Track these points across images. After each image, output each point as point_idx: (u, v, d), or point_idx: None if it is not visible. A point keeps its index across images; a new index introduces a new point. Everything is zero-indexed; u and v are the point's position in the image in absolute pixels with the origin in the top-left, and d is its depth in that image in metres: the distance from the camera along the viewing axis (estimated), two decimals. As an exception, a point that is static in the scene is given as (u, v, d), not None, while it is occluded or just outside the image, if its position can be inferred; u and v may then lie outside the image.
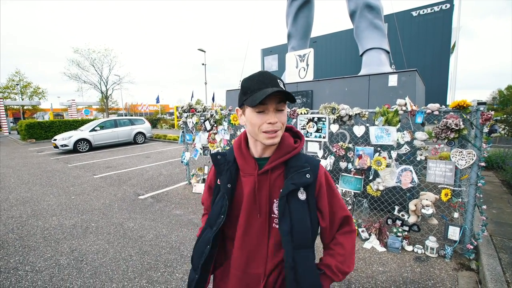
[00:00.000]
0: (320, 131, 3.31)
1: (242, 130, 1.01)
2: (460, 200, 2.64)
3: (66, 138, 10.62)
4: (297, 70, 4.48)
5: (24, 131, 15.75)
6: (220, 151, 1.08)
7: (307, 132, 3.41)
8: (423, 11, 11.21)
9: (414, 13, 11.25)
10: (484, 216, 2.51)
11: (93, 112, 32.57)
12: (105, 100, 26.97)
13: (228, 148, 0.97)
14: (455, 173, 2.61)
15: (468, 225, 2.59)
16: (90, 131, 11.30)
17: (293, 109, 3.50)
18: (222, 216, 0.96)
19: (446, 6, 10.53)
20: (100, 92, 26.44)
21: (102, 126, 11.83)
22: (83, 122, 16.16)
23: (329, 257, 0.99)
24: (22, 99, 30.05)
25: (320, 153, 3.39)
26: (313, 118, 3.35)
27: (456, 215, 2.67)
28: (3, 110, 23.83)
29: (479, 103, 2.46)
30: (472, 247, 2.55)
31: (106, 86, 26.26)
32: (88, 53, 24.37)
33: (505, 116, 9.99)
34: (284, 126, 0.91)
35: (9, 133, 23.70)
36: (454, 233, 2.65)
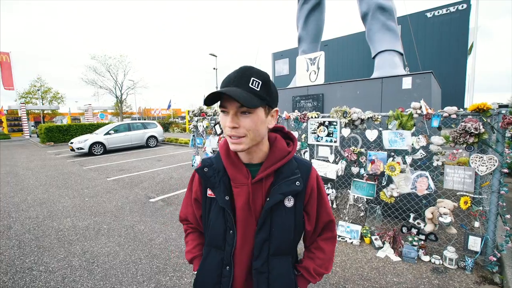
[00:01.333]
0: (331, 135, 3.24)
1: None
2: (481, 208, 2.50)
3: (82, 141, 10.95)
4: (308, 74, 4.43)
5: (43, 134, 16.38)
6: (204, 159, 0.96)
7: (318, 136, 3.34)
8: (438, 12, 10.92)
9: (428, 14, 10.99)
10: (507, 226, 2.36)
11: (108, 116, 33.54)
12: (119, 105, 27.75)
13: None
14: (475, 180, 2.48)
15: (491, 235, 2.44)
16: (105, 134, 11.61)
17: (303, 112, 3.45)
18: (232, 232, 0.88)
19: (462, 7, 10.22)
20: (115, 97, 27.25)
21: (116, 130, 12.13)
22: (98, 126, 16.63)
23: (309, 260, 0.99)
24: (43, 104, 31.38)
25: (331, 158, 3.32)
26: (324, 122, 3.28)
27: (477, 224, 2.53)
28: (25, 115, 24.91)
29: (501, 106, 2.33)
30: (495, 259, 2.40)
31: (120, 91, 27.07)
32: (104, 59, 25.28)
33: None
34: (255, 133, 0.79)
35: (30, 136, 24.72)
36: (475, 243, 2.51)
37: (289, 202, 0.88)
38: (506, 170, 2.32)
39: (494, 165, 2.33)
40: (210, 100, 0.75)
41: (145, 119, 40.18)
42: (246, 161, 0.89)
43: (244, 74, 0.75)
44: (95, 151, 11.08)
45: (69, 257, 2.99)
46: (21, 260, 2.93)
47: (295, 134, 3.64)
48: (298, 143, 3.61)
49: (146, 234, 3.50)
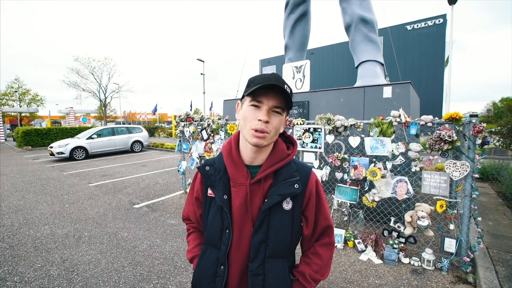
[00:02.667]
0: (316, 141, 3.33)
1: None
2: (455, 211, 2.64)
3: (63, 146, 10.56)
4: (294, 81, 4.54)
5: (20, 138, 15.65)
6: (207, 159, 0.99)
7: (303, 142, 3.42)
8: (417, 25, 11.55)
9: (408, 27, 11.58)
10: (479, 228, 2.51)
11: (91, 120, 32.54)
12: (103, 108, 27.00)
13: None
14: (450, 185, 2.62)
15: (464, 237, 2.58)
16: (87, 138, 11.26)
17: (289, 119, 3.53)
18: (228, 231, 0.90)
19: (439, 21, 10.87)
20: (98, 100, 26.50)
21: (99, 134, 11.79)
22: (80, 130, 16.10)
23: (305, 265, 0.97)
24: (20, 106, 29.99)
25: (316, 163, 3.40)
26: (309, 128, 3.37)
27: (452, 226, 2.66)
28: (0, 117, 23.73)
29: (471, 115, 2.50)
30: (468, 259, 2.53)
31: (105, 94, 26.35)
32: (88, 62, 24.58)
33: (499, 128, 10.12)
34: (276, 133, 0.85)
35: (5, 139, 23.52)
36: (450, 245, 2.64)
37: (287, 205, 0.89)
38: (477, 176, 2.48)
39: (467, 171, 2.48)
40: (253, 89, 0.78)
41: (130, 124, 39.26)
42: (248, 162, 0.90)
43: (279, 78, 0.81)
44: (76, 156, 10.70)
45: (47, 266, 2.87)
46: (-7, 271, 2.79)
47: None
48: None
49: (129, 241, 3.42)
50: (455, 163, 2.53)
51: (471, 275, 2.50)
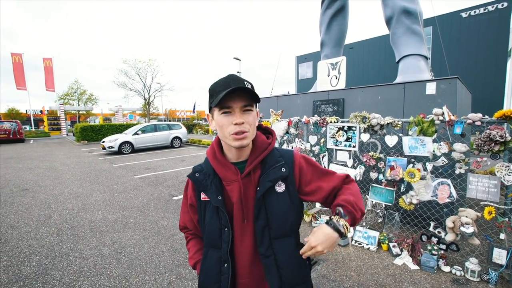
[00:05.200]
0: (350, 140, 3.25)
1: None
2: (507, 219, 2.39)
3: (113, 141, 11.69)
4: (329, 78, 4.44)
5: (78, 133, 17.70)
6: (194, 166, 1.04)
7: (337, 140, 3.36)
8: (475, 12, 10.19)
9: (464, 14, 10.31)
10: (536, 240, 2.24)
11: (136, 117, 35.29)
12: (147, 106, 29.12)
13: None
14: (501, 189, 2.38)
15: (517, 248, 2.33)
16: (133, 134, 12.30)
17: (323, 117, 3.49)
18: (227, 229, 0.93)
19: (502, 5, 9.49)
20: (143, 99, 28.65)
21: (144, 130, 12.80)
22: (127, 126, 17.64)
23: (344, 195, 0.92)
24: (79, 105, 33.79)
25: (349, 163, 3.32)
26: (343, 126, 3.30)
27: (502, 236, 2.41)
28: (63, 114, 27.03)
29: (530, 114, 2.23)
30: (521, 273, 2.28)
31: (148, 93, 28.40)
32: (134, 63, 26.75)
33: None
34: (254, 128, 0.89)
35: (67, 134, 26.74)
36: (500, 256, 2.40)
37: (280, 188, 0.94)
38: (535, 181, 2.21)
39: (522, 175, 2.23)
40: (219, 100, 0.81)
41: (170, 121, 41.72)
42: (234, 160, 0.95)
43: (237, 78, 0.85)
44: (124, 150, 11.77)
45: (100, 246, 3.26)
46: (59, 246, 3.26)
47: (314, 138, 3.69)
48: (317, 147, 3.65)
49: (168, 230, 3.72)
50: (508, 166, 2.29)
51: (524, 290, 2.25)
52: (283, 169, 0.93)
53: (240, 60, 22.94)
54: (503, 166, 2.31)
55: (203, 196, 0.98)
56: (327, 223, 0.85)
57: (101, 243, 3.35)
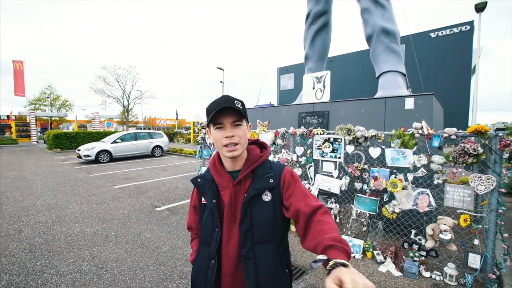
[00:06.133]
0: (335, 151, 3.37)
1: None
2: (480, 226, 2.58)
3: (89, 149, 11.17)
4: (314, 91, 4.61)
5: (51, 141, 16.70)
6: (200, 174, 1.16)
7: (323, 152, 3.48)
8: (442, 33, 11.16)
9: (432, 35, 11.23)
10: (505, 245, 2.43)
11: (114, 125, 34.04)
12: (126, 114, 28.23)
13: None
14: (475, 199, 2.57)
15: (490, 253, 2.51)
16: (112, 143, 11.84)
17: (309, 129, 3.60)
18: (217, 229, 1.05)
19: (466, 28, 10.47)
20: (122, 106, 27.78)
21: (123, 139, 12.37)
22: (105, 134, 16.95)
23: (327, 231, 0.85)
24: (51, 111, 32.03)
25: (335, 173, 3.43)
26: (329, 138, 3.43)
27: (476, 242, 2.59)
28: (34, 121, 25.45)
29: (498, 129, 2.46)
30: (494, 276, 2.45)
31: (128, 101, 27.60)
32: (114, 70, 25.97)
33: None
34: (245, 139, 1.02)
35: (37, 142, 25.13)
36: (474, 260, 2.57)
37: (266, 197, 1.03)
38: (503, 190, 2.42)
39: (492, 185, 2.43)
40: (211, 117, 0.96)
41: (149, 129, 40.63)
42: (230, 169, 1.07)
43: (228, 98, 0.98)
44: (101, 159, 11.28)
45: (79, 261, 3.08)
46: (32, 263, 3.03)
47: (301, 149, 3.78)
48: (303, 158, 3.74)
49: (152, 242, 3.59)
50: (480, 176, 2.49)
51: (497, 293, 2.42)
52: (271, 180, 1.04)
53: (223, 70, 23.08)
54: (475, 176, 2.51)
55: (203, 199, 1.12)
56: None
57: (79, 258, 3.16)
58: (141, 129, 36.53)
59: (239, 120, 0.99)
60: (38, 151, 16.86)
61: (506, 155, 2.42)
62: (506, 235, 2.43)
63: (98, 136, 16.88)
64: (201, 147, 5.57)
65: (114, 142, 11.92)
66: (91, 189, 6.59)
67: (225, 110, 0.96)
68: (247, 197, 1.01)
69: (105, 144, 11.72)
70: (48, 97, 31.74)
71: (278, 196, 1.04)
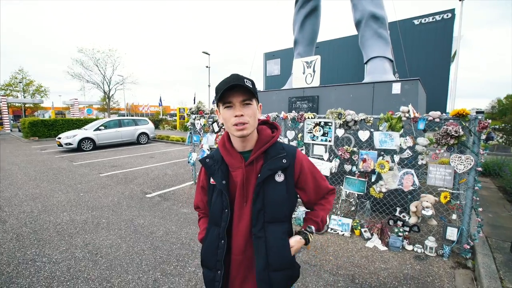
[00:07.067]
0: (326, 135, 3.47)
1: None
2: (458, 202, 2.79)
3: (71, 137, 10.74)
4: (304, 76, 4.64)
5: (27, 129, 15.84)
6: (208, 154, 1.17)
7: (314, 135, 3.56)
8: (425, 20, 11.42)
9: (416, 22, 11.47)
10: (479, 218, 2.66)
11: (94, 112, 32.66)
12: (107, 100, 27.13)
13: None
14: (454, 177, 2.76)
15: (465, 226, 2.74)
16: (94, 130, 11.42)
17: (300, 113, 3.66)
18: (227, 210, 1.05)
19: (447, 16, 10.76)
20: (102, 92, 26.61)
21: (106, 126, 11.95)
22: (86, 121, 16.28)
23: (321, 211, 1.19)
24: (24, 97, 30.16)
25: (325, 156, 3.54)
26: (320, 122, 3.50)
27: (454, 216, 2.82)
28: (6, 108, 23.92)
29: (477, 112, 2.62)
30: (468, 247, 2.70)
31: (109, 86, 26.44)
32: (92, 53, 24.60)
33: (503, 125, 10.18)
34: (255, 119, 1.00)
35: (11, 130, 23.78)
36: (452, 233, 2.80)
37: (279, 177, 1.05)
38: (480, 169, 2.62)
39: (471, 164, 2.62)
40: (220, 95, 0.95)
41: (132, 116, 39.39)
42: (240, 149, 1.06)
43: (238, 77, 0.95)
44: (84, 147, 10.89)
45: (72, 249, 3.06)
46: (22, 252, 2.97)
47: (292, 133, 3.85)
48: (295, 142, 3.82)
49: (146, 228, 3.60)
50: (460, 157, 2.67)
51: (470, 261, 2.67)
52: (284, 160, 1.04)
53: (209, 54, 22.49)
54: (456, 157, 2.69)
55: (212, 180, 1.11)
56: (299, 233, 1.15)
57: (72, 245, 3.13)
58: (123, 116, 35.35)
59: (248, 99, 0.96)
60: (14, 140, 16.01)
61: (483, 137, 2.60)
62: (480, 209, 2.66)
63: (78, 124, 16.18)
64: (190, 133, 5.53)
65: (97, 129, 11.51)
66: (76, 177, 6.42)
67: (234, 89, 0.93)
68: (261, 177, 1.01)
69: (87, 131, 11.28)
70: (20, 82, 29.76)
71: (291, 177, 1.06)
